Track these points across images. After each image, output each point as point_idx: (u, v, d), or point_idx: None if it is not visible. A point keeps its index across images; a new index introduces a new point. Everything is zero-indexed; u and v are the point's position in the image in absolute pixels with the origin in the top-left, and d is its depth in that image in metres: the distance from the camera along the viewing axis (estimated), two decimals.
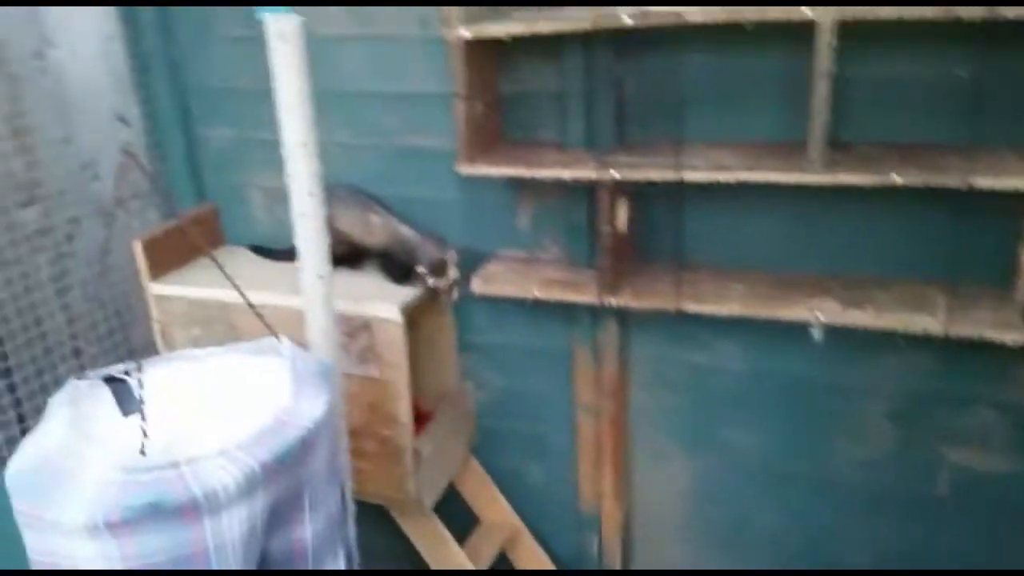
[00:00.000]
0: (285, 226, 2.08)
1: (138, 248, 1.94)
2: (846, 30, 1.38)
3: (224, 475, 1.25)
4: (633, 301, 1.72)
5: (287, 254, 2.04)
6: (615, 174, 1.62)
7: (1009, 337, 1.43)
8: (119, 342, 2.06)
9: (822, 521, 1.91)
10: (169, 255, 2.00)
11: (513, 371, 2.04)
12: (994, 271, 1.53)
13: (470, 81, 1.68)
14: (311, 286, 1.58)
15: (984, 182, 1.36)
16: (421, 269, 1.82)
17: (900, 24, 1.33)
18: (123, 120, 1.44)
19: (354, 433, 1.77)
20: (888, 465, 1.78)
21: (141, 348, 2.02)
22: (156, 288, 1.97)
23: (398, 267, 1.88)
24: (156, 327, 2.01)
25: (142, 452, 1.25)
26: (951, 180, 1.37)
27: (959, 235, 1.49)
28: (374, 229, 1.89)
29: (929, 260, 1.58)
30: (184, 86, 2.11)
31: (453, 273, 1.84)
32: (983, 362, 1.59)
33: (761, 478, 1.93)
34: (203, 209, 2.15)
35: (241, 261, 2.04)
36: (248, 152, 2.12)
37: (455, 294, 1.85)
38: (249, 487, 1.28)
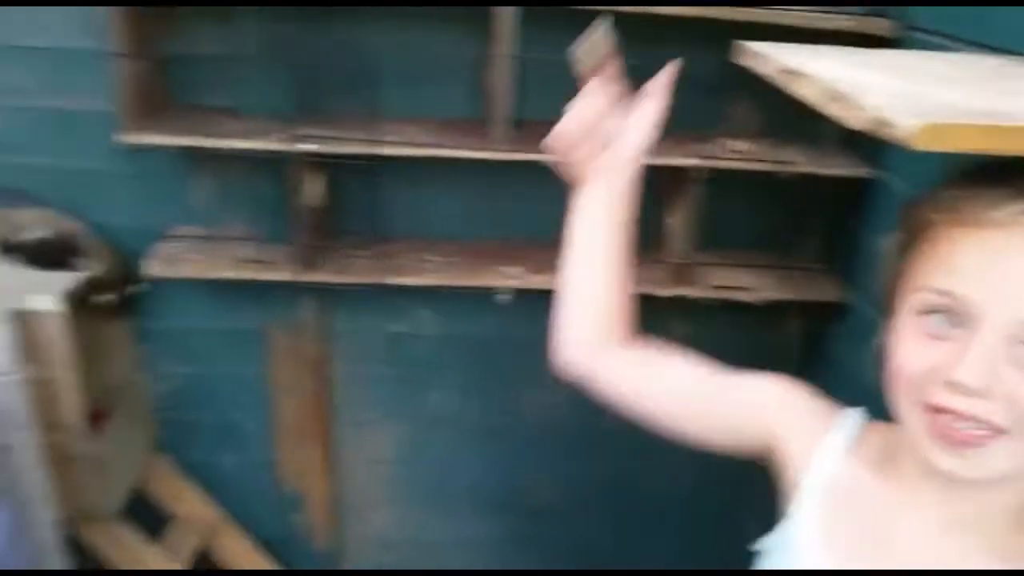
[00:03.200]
0: None
1: None
2: (525, 15, 1.48)
3: None
4: (332, 276, 1.69)
5: None
6: (307, 147, 1.57)
7: (662, 291, 1.70)
8: None
9: (519, 466, 2.08)
10: None
11: (202, 358, 1.90)
12: (648, 236, 1.74)
13: (131, 37, 1.50)
14: None
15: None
16: (95, 275, 1.64)
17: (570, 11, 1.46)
18: None
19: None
20: (567, 407, 1.98)
21: None
22: None
23: (51, 253, 1.65)
24: None
25: None
26: None
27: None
28: (20, 223, 1.64)
29: None
30: None
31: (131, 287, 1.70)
32: (639, 313, 1.84)
33: (460, 435, 2.04)
34: None
35: None
36: None
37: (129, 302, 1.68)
38: None
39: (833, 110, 0.69)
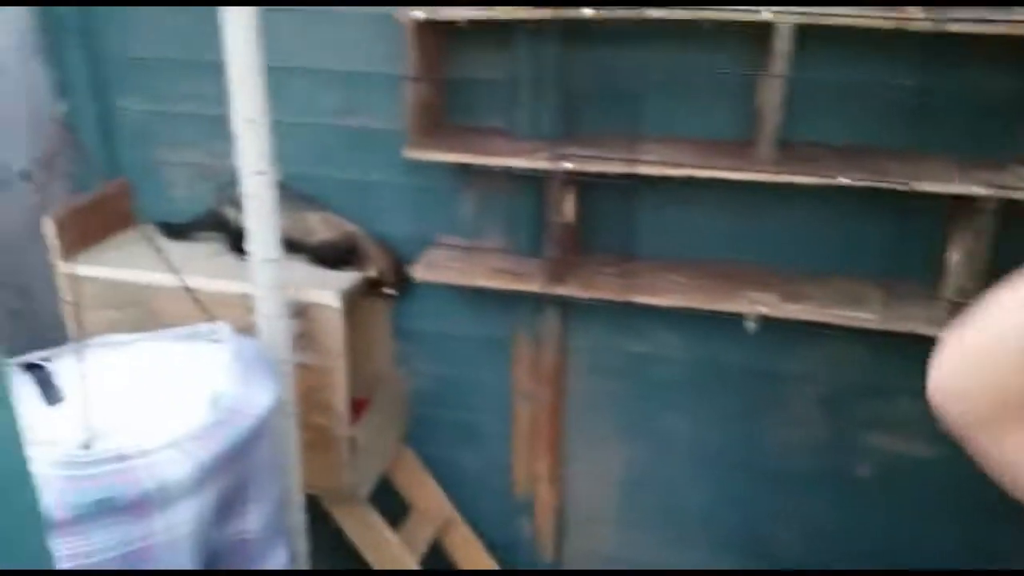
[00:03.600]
0: (203, 206, 1.99)
1: (50, 225, 1.80)
2: (801, 34, 1.44)
3: (176, 467, 1.19)
4: (579, 291, 1.73)
5: (195, 226, 1.96)
6: (568, 165, 1.62)
7: (939, 332, 1.53)
8: (24, 325, 1.91)
9: (754, 503, 1.99)
10: (80, 233, 1.87)
11: (450, 358, 2.03)
12: (924, 270, 1.62)
13: (420, 63, 1.66)
14: (259, 270, 1.51)
15: (925, 186, 1.44)
16: (373, 273, 1.84)
17: (851, 31, 1.40)
18: None
19: None
20: (817, 449, 1.87)
21: (48, 331, 1.88)
22: (69, 268, 1.84)
23: (334, 254, 1.85)
24: (67, 310, 1.87)
25: (85, 446, 1.16)
26: (894, 183, 1.45)
27: (892, 235, 1.58)
28: (313, 227, 1.85)
29: (863, 258, 1.66)
30: (99, 54, 1.97)
31: (399, 289, 1.89)
32: (908, 354, 1.69)
33: (695, 463, 1.99)
34: (115, 185, 2.01)
35: (157, 243, 1.93)
36: (167, 127, 2.00)
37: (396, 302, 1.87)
38: (200, 479, 1.23)
39: None
